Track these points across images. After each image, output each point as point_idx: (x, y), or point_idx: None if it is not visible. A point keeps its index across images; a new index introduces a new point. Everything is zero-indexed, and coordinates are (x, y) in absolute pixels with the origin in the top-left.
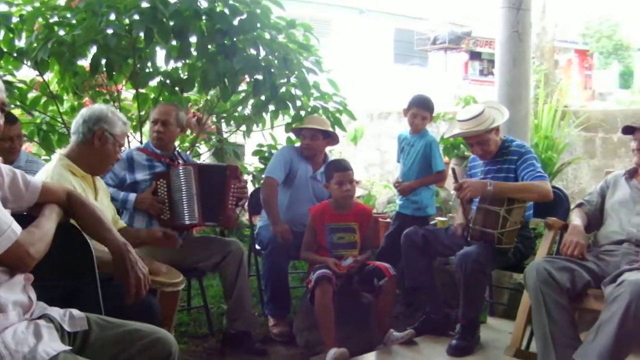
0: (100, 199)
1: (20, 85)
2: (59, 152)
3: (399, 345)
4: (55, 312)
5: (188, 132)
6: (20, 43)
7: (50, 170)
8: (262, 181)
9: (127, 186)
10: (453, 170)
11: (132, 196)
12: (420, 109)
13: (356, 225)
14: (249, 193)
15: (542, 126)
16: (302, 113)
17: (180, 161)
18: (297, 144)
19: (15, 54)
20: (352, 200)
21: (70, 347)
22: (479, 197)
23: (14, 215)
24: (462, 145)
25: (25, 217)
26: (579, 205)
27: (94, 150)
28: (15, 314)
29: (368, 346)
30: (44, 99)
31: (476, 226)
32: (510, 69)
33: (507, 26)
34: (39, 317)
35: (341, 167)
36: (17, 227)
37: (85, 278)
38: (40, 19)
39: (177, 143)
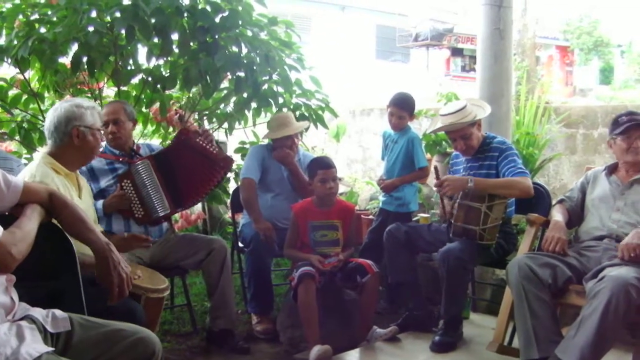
0: (84, 197)
1: (1, 83)
2: (42, 151)
3: (383, 341)
4: (38, 313)
5: (170, 129)
6: (0, 41)
7: (34, 169)
8: (239, 183)
9: (95, 195)
10: (435, 167)
11: (99, 203)
12: (397, 108)
13: (339, 222)
14: (232, 189)
15: (524, 122)
16: (285, 110)
17: (139, 156)
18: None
19: None
20: (335, 198)
21: (53, 348)
22: (461, 194)
23: None
24: (444, 142)
25: (7, 217)
26: (560, 202)
27: (76, 148)
28: None
29: (351, 343)
30: (24, 97)
31: (458, 222)
32: (491, 66)
33: (488, 23)
34: (22, 319)
35: (324, 165)
36: None
37: (67, 278)
38: (20, 17)
39: (158, 141)
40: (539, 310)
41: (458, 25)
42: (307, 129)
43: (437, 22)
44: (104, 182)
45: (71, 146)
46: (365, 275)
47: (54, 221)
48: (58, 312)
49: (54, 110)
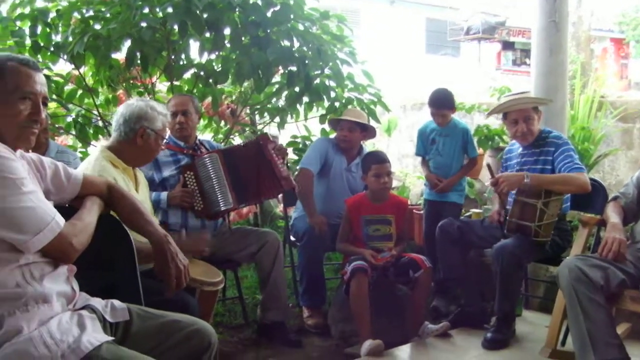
0: (141, 191)
1: (57, 78)
2: (101, 144)
3: (434, 337)
4: (98, 302)
5: (222, 123)
6: (57, 37)
7: (93, 162)
8: (296, 172)
9: (157, 185)
10: (488, 165)
11: (164, 195)
12: (436, 109)
13: (392, 217)
14: None
15: (579, 117)
16: (337, 104)
17: (203, 150)
18: (332, 136)
19: (52, 48)
20: (388, 192)
21: (113, 338)
22: (516, 190)
23: (55, 207)
24: (496, 137)
25: (67, 209)
26: (614, 199)
27: (137, 147)
28: (59, 304)
29: (403, 338)
30: (79, 92)
31: (513, 219)
32: (546, 59)
33: (543, 15)
34: (82, 308)
35: (379, 159)
36: (60, 219)
37: (125, 270)
38: (76, 14)
39: (211, 134)
40: (593, 313)
41: (510, 18)
42: (369, 132)
43: (488, 15)
44: (166, 172)
45: (132, 144)
46: (418, 270)
47: (112, 213)
48: (117, 303)
49: (128, 105)
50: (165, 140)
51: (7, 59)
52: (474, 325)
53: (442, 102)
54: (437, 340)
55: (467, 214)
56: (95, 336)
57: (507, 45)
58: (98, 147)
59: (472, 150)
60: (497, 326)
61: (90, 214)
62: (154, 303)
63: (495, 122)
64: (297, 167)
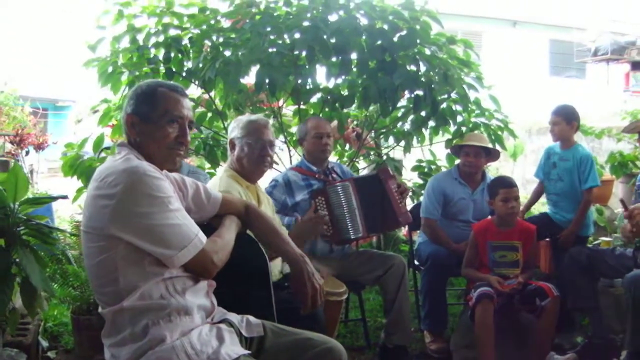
0: (264, 209)
1: None
2: (224, 165)
3: None
4: (234, 317)
5: (347, 146)
6: (188, 64)
7: (219, 181)
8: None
9: (289, 209)
10: (622, 200)
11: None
12: (552, 116)
13: (519, 243)
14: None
15: None
16: (463, 129)
17: (335, 175)
18: (444, 169)
19: (184, 74)
20: (516, 218)
21: (250, 352)
22: None
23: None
24: (630, 163)
25: (205, 227)
26: None
27: (239, 159)
28: (199, 317)
29: None
30: (209, 115)
31: None
32: None
33: None
34: (220, 322)
35: (507, 184)
36: (203, 236)
37: (259, 287)
38: (207, 41)
39: (336, 157)
40: None
41: None
42: (492, 155)
43: (617, 34)
44: (299, 197)
45: (237, 158)
46: (545, 299)
47: (248, 232)
48: (252, 318)
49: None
50: (297, 164)
51: (157, 85)
52: (603, 358)
53: (558, 109)
54: None
55: (597, 242)
56: (233, 349)
57: (637, 66)
58: (221, 168)
59: (587, 179)
60: None
61: (229, 232)
62: (283, 311)
63: (627, 147)
64: (422, 216)
